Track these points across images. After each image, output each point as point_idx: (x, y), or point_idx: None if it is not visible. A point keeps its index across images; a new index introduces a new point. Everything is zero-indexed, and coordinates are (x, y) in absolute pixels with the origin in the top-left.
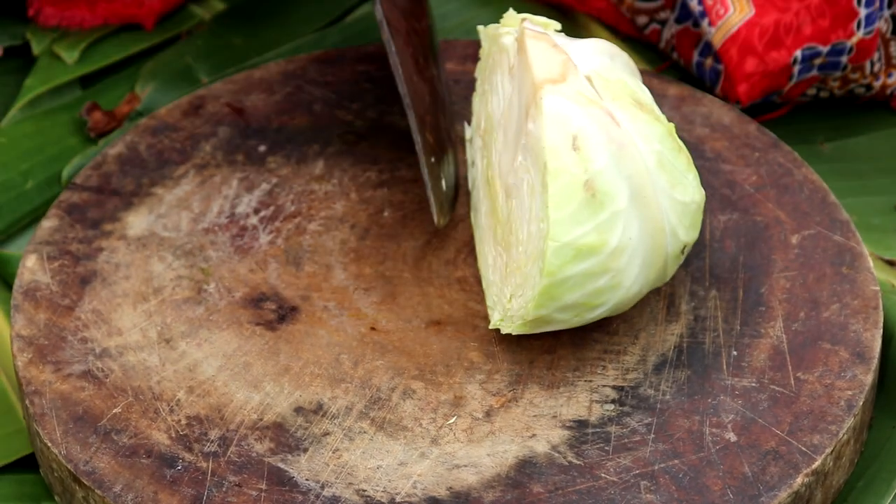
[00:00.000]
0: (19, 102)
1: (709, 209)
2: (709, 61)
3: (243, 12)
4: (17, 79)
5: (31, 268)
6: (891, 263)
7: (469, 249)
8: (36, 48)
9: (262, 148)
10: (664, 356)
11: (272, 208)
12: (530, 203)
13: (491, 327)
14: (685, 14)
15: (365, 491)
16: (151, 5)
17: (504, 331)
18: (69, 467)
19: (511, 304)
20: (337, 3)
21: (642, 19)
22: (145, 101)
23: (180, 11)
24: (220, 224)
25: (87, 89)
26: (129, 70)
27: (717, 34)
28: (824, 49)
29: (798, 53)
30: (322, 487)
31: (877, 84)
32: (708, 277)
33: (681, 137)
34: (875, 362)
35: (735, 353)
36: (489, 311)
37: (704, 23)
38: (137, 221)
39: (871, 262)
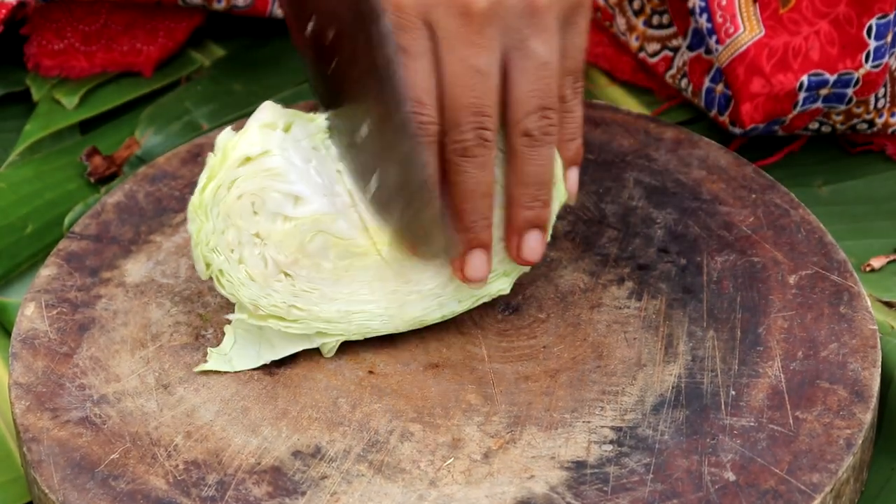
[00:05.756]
0: (19, 147)
1: (706, 250)
2: (719, 87)
3: (243, 58)
4: (18, 124)
5: (30, 316)
6: (890, 305)
7: None
8: (36, 94)
9: None
10: (662, 396)
11: None
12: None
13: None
14: (697, 41)
15: None
16: (149, 53)
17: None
18: None
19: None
20: None
21: (654, 47)
22: (145, 146)
23: (180, 57)
24: None
25: (87, 134)
26: (129, 115)
27: (724, 52)
28: (831, 78)
29: (805, 79)
30: None
31: (879, 121)
32: (706, 318)
33: (678, 179)
34: (874, 401)
35: (733, 392)
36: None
37: (712, 41)
38: (136, 269)
39: (868, 302)
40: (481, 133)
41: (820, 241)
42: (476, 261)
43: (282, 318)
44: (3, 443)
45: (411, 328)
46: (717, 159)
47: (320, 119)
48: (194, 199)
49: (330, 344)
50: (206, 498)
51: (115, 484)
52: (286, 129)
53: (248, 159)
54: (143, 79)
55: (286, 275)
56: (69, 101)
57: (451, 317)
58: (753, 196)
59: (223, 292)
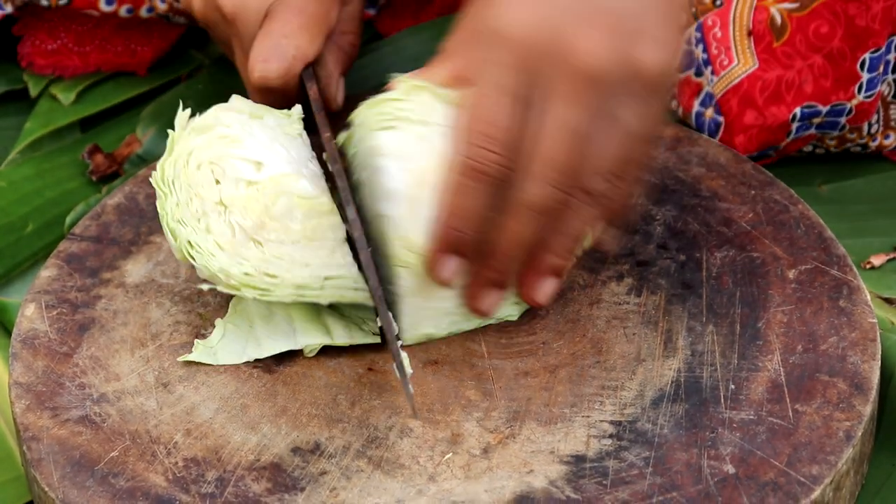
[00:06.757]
0: (19, 145)
1: (705, 246)
2: (709, 112)
3: None
4: (18, 122)
5: (30, 316)
6: (890, 302)
7: None
8: (33, 90)
9: None
10: (662, 391)
11: None
12: None
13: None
14: (687, 63)
15: None
16: (143, 54)
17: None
18: None
19: None
20: None
21: None
22: (146, 144)
23: (180, 55)
24: None
25: (87, 132)
26: (129, 113)
27: (719, 84)
28: (824, 109)
29: (798, 111)
30: None
31: (873, 144)
32: (705, 313)
33: (677, 177)
34: (873, 393)
35: (733, 386)
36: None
37: (707, 71)
38: (136, 269)
39: (867, 296)
40: (555, 193)
41: (819, 236)
42: (491, 298)
43: (255, 287)
44: (4, 442)
45: (418, 342)
46: (717, 156)
47: (296, 111)
48: (156, 174)
49: (312, 345)
50: (206, 494)
51: (115, 481)
52: (255, 117)
53: (203, 129)
54: (143, 77)
55: (256, 242)
56: (66, 97)
57: (457, 333)
58: (752, 192)
59: (195, 264)
